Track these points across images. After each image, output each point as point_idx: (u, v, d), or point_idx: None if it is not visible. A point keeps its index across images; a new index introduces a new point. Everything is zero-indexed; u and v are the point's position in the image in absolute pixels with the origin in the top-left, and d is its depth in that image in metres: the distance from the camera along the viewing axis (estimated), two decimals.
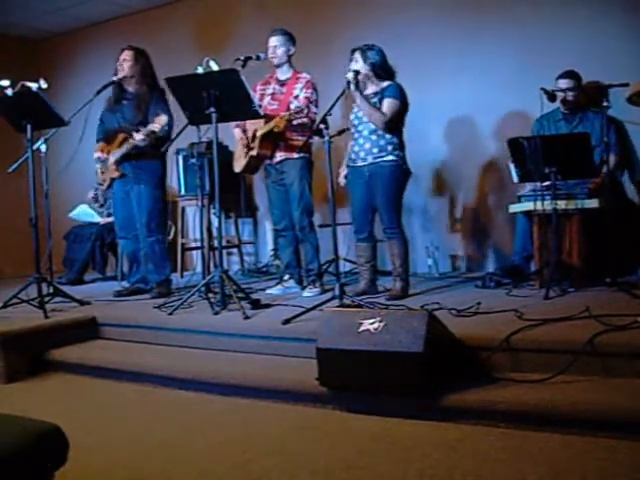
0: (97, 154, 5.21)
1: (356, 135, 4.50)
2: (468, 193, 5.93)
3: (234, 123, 4.98)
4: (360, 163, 4.48)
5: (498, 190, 5.68)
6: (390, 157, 4.39)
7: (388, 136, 4.39)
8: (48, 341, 4.22)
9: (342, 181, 4.72)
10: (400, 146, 4.45)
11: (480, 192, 5.85)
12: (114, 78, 5.01)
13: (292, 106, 4.76)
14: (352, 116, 4.53)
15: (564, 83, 4.81)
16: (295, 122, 4.68)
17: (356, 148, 4.50)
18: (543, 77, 4.83)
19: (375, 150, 4.40)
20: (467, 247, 5.97)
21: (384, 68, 4.42)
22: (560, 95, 4.84)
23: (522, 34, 5.41)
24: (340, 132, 4.83)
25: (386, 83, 4.41)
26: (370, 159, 4.42)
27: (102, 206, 6.75)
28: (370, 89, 4.45)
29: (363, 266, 4.63)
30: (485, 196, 5.84)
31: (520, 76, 5.29)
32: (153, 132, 4.76)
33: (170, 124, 4.95)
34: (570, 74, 4.81)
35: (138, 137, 4.81)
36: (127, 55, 5.01)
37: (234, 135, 5.06)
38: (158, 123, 4.72)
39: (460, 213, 5.98)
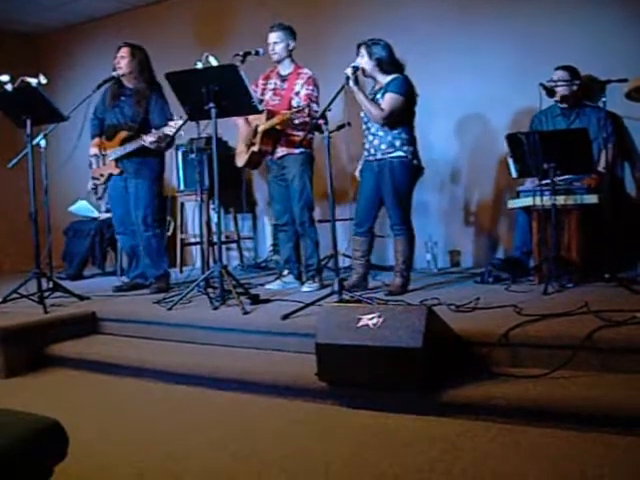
0: (94, 150, 5.20)
1: (366, 132, 4.50)
2: (472, 189, 5.92)
3: (240, 120, 4.97)
4: (371, 158, 4.48)
5: (503, 186, 5.67)
6: (398, 153, 4.37)
7: (395, 132, 4.37)
8: (48, 336, 4.22)
9: (357, 174, 4.72)
10: (409, 141, 4.41)
11: (485, 188, 5.84)
12: (114, 74, 5.00)
13: (293, 102, 4.75)
14: (362, 113, 4.51)
15: (557, 75, 4.82)
16: (297, 121, 4.68)
17: (367, 144, 4.50)
18: (547, 73, 4.81)
19: (383, 146, 4.39)
20: (473, 243, 5.96)
21: (391, 62, 4.39)
22: (558, 89, 4.84)
23: (523, 31, 5.39)
24: (339, 127, 4.82)
25: (391, 77, 4.38)
26: (379, 155, 4.41)
27: (100, 199, 6.73)
28: (377, 84, 4.45)
29: (358, 260, 4.61)
30: (489, 192, 5.82)
31: (525, 72, 5.25)
32: (167, 135, 4.79)
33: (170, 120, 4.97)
34: (566, 67, 4.81)
35: (149, 139, 4.84)
36: (124, 52, 5.00)
37: (238, 127, 5.05)
38: (174, 127, 4.74)
39: (465, 209, 5.98)
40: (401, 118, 4.38)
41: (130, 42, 5.09)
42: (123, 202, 5.19)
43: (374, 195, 4.50)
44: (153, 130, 4.85)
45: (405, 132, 4.40)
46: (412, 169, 4.42)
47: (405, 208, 4.44)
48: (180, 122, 4.71)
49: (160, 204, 5.27)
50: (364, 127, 4.53)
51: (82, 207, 6.77)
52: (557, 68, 4.83)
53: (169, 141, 4.96)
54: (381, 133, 4.39)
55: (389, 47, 4.39)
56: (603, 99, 4.35)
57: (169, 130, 4.75)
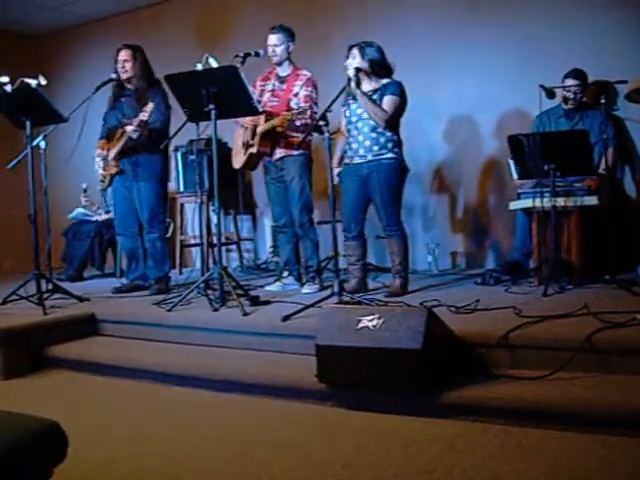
0: (97, 151, 5.22)
1: (355, 132, 4.46)
2: (469, 191, 5.93)
3: (240, 125, 4.97)
4: (358, 160, 4.45)
5: (499, 188, 5.68)
6: (390, 155, 4.37)
7: (388, 134, 4.37)
8: (47, 337, 4.22)
9: (337, 179, 4.67)
10: (399, 143, 4.44)
11: (481, 190, 5.85)
12: (113, 75, 5.01)
13: (292, 104, 4.74)
14: (348, 112, 4.50)
15: (571, 82, 4.80)
16: (298, 123, 4.67)
17: (354, 145, 4.46)
18: (544, 75, 4.81)
19: (375, 148, 4.38)
20: (468, 244, 5.96)
21: (382, 65, 4.39)
22: (566, 94, 4.84)
23: (522, 32, 5.40)
24: (340, 129, 4.82)
25: (386, 80, 4.38)
26: (370, 156, 4.40)
27: (99, 208, 6.76)
28: (368, 86, 4.42)
29: (354, 265, 4.59)
30: (486, 194, 5.83)
31: (521, 74, 5.28)
32: (142, 121, 4.77)
33: (167, 116, 4.97)
34: (576, 73, 4.79)
35: (129, 129, 4.83)
36: (127, 55, 5.00)
37: (236, 133, 5.05)
38: (146, 111, 4.74)
39: (461, 211, 5.98)
40: (396, 121, 4.40)
41: (129, 43, 5.09)
42: (125, 204, 5.20)
43: (361, 198, 4.49)
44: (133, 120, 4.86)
45: (396, 134, 4.43)
46: (402, 170, 4.45)
47: (397, 208, 4.45)
48: (151, 105, 4.74)
49: (165, 205, 5.28)
50: (350, 127, 4.49)
51: (80, 213, 6.79)
52: (567, 75, 4.81)
53: (159, 133, 4.93)
54: (374, 135, 4.38)
55: (381, 49, 4.39)
56: (602, 100, 4.36)
57: (142, 116, 4.75)
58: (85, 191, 6.73)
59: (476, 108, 5.73)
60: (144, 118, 4.75)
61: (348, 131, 4.53)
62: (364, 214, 4.55)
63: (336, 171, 4.64)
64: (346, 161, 4.56)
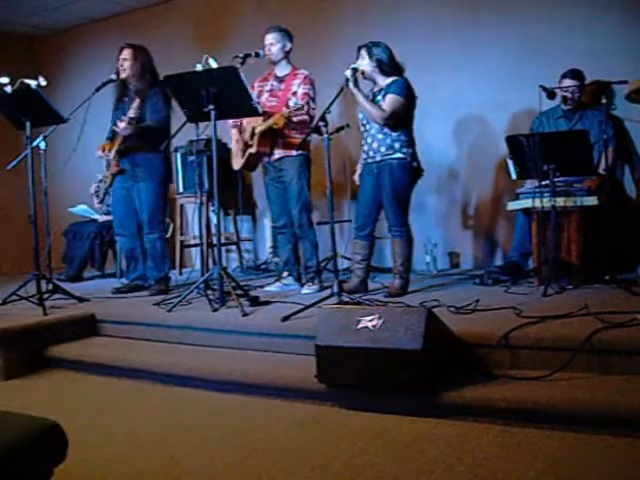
0: (98, 153, 5.23)
1: (365, 134, 4.50)
2: (471, 191, 5.92)
3: (230, 123, 4.99)
4: (370, 161, 4.47)
5: (502, 188, 5.67)
6: (398, 154, 4.36)
7: (395, 134, 4.36)
8: (47, 338, 4.22)
9: (356, 178, 4.72)
10: (408, 143, 4.41)
11: (484, 190, 5.84)
12: (112, 76, 5.01)
13: (291, 103, 4.75)
14: (360, 115, 4.52)
15: (568, 82, 4.80)
16: (295, 119, 4.67)
17: (365, 147, 4.50)
18: (546, 74, 4.81)
19: (383, 148, 4.38)
20: (472, 244, 5.95)
21: (391, 64, 4.39)
22: (563, 94, 4.84)
23: (522, 32, 5.40)
24: (339, 129, 4.81)
25: (391, 79, 4.38)
26: (378, 157, 4.40)
27: (101, 202, 6.74)
28: (377, 86, 4.44)
29: (358, 264, 4.59)
30: (489, 194, 5.82)
31: (524, 74, 5.25)
32: (131, 118, 4.77)
33: (166, 116, 4.97)
34: (574, 73, 4.79)
35: (120, 126, 4.84)
36: (127, 54, 5.00)
37: (232, 135, 5.06)
38: (133, 108, 4.77)
39: (464, 211, 5.98)
40: (401, 120, 4.37)
41: (132, 43, 5.09)
42: (124, 204, 5.20)
43: (374, 198, 4.49)
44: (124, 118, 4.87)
45: (404, 134, 4.40)
46: (411, 171, 4.42)
47: (403, 209, 4.44)
48: (137, 100, 4.77)
49: (165, 206, 5.28)
50: (362, 129, 4.53)
51: (82, 209, 6.78)
52: (564, 75, 4.81)
53: (155, 132, 4.93)
54: (380, 136, 4.39)
55: (389, 49, 4.40)
56: (603, 101, 4.36)
57: (130, 112, 4.77)
58: (100, 181, 6.69)
59: (476, 109, 5.72)
60: (132, 115, 4.77)
61: (362, 132, 4.55)
62: (377, 214, 4.55)
63: (358, 171, 4.69)
64: (362, 161, 4.60)
